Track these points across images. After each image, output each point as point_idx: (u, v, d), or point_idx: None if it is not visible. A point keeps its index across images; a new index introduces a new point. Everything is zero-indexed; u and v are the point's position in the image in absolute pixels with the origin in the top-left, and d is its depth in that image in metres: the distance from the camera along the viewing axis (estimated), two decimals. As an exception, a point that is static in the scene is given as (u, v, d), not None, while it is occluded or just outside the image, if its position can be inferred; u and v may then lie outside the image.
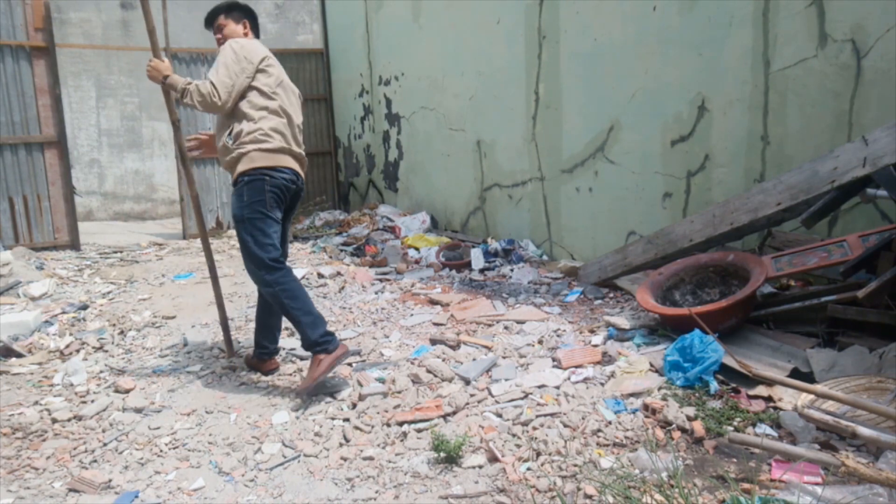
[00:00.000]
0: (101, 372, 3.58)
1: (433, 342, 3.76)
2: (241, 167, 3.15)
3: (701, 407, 2.78)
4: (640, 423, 2.67)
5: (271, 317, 3.42)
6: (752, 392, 2.86)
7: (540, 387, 3.07)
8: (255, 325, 3.48)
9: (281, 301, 3.11)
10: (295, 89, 3.42)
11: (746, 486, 2.18)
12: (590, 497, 2.21)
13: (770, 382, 2.75)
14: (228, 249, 7.02)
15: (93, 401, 3.19)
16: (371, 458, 2.55)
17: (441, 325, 4.14)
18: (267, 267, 3.10)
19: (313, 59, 8.81)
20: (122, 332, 4.20)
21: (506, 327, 3.96)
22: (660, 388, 2.96)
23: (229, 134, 3.20)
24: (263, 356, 3.49)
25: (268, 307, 3.38)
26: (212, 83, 3.11)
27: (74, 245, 6.98)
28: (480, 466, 2.44)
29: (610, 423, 2.69)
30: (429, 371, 3.31)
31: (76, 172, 8.99)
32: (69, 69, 9.20)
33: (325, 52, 8.86)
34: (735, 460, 2.41)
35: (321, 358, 3.07)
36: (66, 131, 7.04)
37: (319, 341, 3.08)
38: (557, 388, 3.05)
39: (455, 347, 3.66)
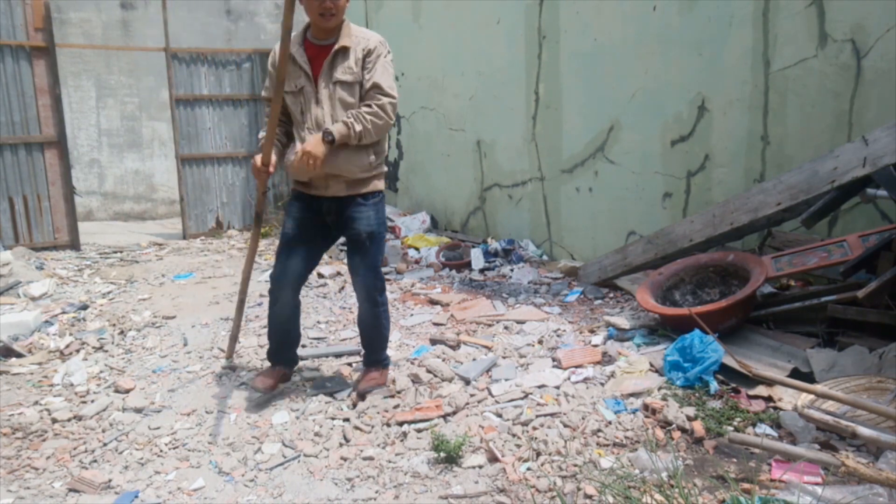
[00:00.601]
0: (101, 372, 3.58)
1: (433, 342, 3.76)
2: (379, 185, 3.03)
3: (701, 407, 2.78)
4: (640, 423, 2.68)
5: (298, 323, 3.26)
6: (752, 392, 2.86)
7: (540, 387, 3.07)
8: (288, 337, 3.21)
9: (381, 321, 3.14)
10: None
11: (746, 486, 2.18)
12: (590, 497, 2.21)
13: (770, 382, 2.75)
14: (228, 249, 7.02)
15: (93, 401, 3.19)
16: (371, 458, 2.55)
17: (441, 325, 4.14)
18: (383, 287, 3.12)
19: (313, 59, 8.79)
20: (122, 332, 4.20)
21: (506, 327, 3.96)
22: (660, 388, 2.96)
23: (373, 151, 2.95)
24: (287, 367, 3.25)
25: (297, 318, 3.21)
26: (392, 105, 2.86)
27: (74, 245, 6.97)
28: (480, 466, 2.44)
29: (610, 423, 2.69)
30: (429, 371, 3.31)
31: (76, 172, 8.99)
32: (69, 69, 9.20)
33: (325, 52, 8.85)
34: (735, 460, 2.41)
35: (383, 371, 3.21)
36: (66, 131, 7.04)
37: (387, 356, 3.27)
38: (557, 388, 3.05)
39: (455, 347, 3.66)
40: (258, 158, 2.90)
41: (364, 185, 2.97)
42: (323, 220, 3.02)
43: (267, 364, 3.28)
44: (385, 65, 2.89)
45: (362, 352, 3.33)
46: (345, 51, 2.86)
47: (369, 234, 2.99)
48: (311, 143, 2.78)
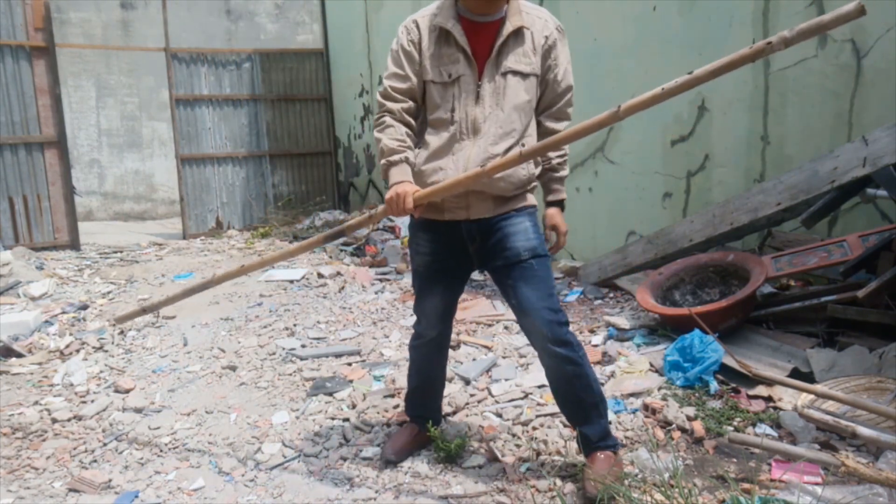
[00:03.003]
0: (101, 372, 3.58)
1: (433, 342, 3.76)
2: (533, 199, 2.34)
3: (701, 407, 2.78)
4: (640, 423, 2.68)
5: (442, 372, 2.61)
6: (752, 392, 2.86)
7: (540, 387, 3.07)
8: (435, 387, 2.60)
9: (584, 370, 2.23)
10: None
11: (746, 486, 2.18)
12: (590, 497, 2.20)
13: (770, 382, 2.75)
14: (228, 249, 7.02)
15: (93, 401, 3.19)
16: (371, 459, 2.55)
17: (441, 325, 4.13)
18: (568, 322, 2.24)
19: (313, 59, 8.81)
20: (122, 332, 4.20)
21: (506, 327, 3.96)
22: (660, 388, 2.96)
23: (533, 161, 2.29)
24: (440, 419, 2.67)
25: (447, 355, 2.59)
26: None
27: (74, 245, 6.98)
28: (480, 466, 2.44)
29: (610, 423, 2.68)
30: (429, 371, 3.31)
31: (76, 172, 9.00)
32: (69, 69, 9.21)
33: (325, 52, 8.87)
34: (735, 460, 2.41)
35: (613, 455, 2.28)
36: (66, 131, 7.04)
37: (613, 437, 2.35)
38: (557, 388, 3.05)
39: (455, 347, 3.66)
40: (409, 194, 2.13)
41: (516, 202, 2.27)
42: (462, 249, 2.30)
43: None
44: (568, 58, 2.33)
45: (576, 433, 2.33)
46: (519, 33, 2.20)
47: (532, 251, 2.22)
48: (561, 220, 2.34)
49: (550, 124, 2.32)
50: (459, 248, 2.30)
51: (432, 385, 2.59)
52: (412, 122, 2.26)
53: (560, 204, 2.40)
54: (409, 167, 2.20)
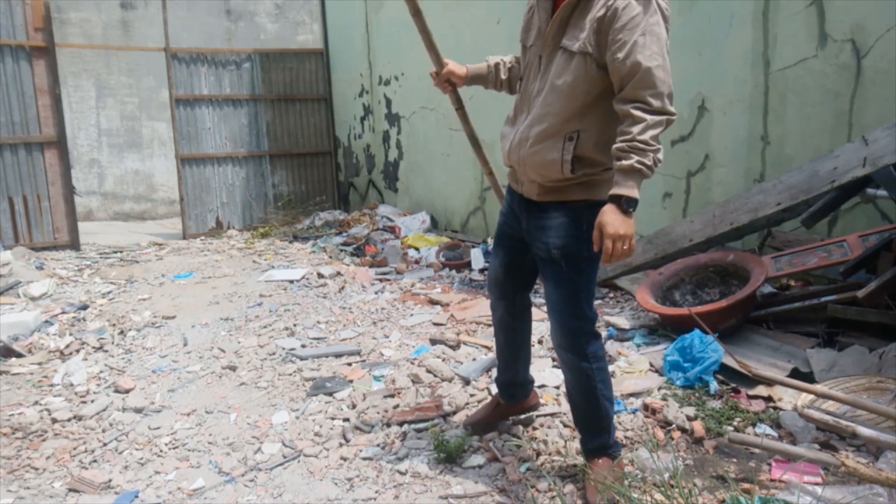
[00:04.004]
0: (101, 372, 3.58)
1: (433, 342, 3.76)
2: (585, 194, 2.10)
3: (701, 407, 2.78)
4: (640, 423, 2.68)
5: (525, 345, 2.55)
6: (752, 392, 2.86)
7: (540, 387, 3.07)
8: (505, 359, 2.56)
9: (593, 384, 2.18)
10: None
11: (746, 486, 2.18)
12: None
13: (770, 382, 2.75)
14: (228, 249, 7.02)
15: (93, 401, 3.19)
16: (371, 459, 2.55)
17: (441, 325, 4.14)
18: (593, 332, 2.17)
19: (313, 59, 8.82)
20: (122, 332, 4.20)
21: (506, 327, 3.95)
22: (660, 388, 2.96)
23: (570, 153, 2.03)
24: (520, 395, 2.64)
25: (522, 331, 2.51)
26: (661, 98, 1.88)
27: (74, 245, 6.98)
28: (480, 466, 2.45)
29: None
30: (429, 371, 3.31)
31: (76, 172, 9.00)
32: (69, 69, 9.21)
33: (325, 52, 8.87)
34: (735, 460, 2.41)
35: (611, 460, 2.24)
36: (66, 131, 7.04)
37: (615, 441, 2.33)
38: (557, 388, 3.05)
39: (455, 347, 3.66)
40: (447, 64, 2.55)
41: (559, 193, 2.11)
42: (520, 220, 2.29)
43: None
44: (647, 29, 1.87)
45: (578, 437, 2.39)
46: (586, 4, 1.96)
47: (562, 249, 2.10)
48: (610, 220, 1.91)
49: (619, 107, 1.93)
50: (518, 219, 2.32)
51: (504, 355, 2.57)
52: (518, 68, 2.45)
53: (616, 200, 1.91)
54: (480, 64, 2.65)
